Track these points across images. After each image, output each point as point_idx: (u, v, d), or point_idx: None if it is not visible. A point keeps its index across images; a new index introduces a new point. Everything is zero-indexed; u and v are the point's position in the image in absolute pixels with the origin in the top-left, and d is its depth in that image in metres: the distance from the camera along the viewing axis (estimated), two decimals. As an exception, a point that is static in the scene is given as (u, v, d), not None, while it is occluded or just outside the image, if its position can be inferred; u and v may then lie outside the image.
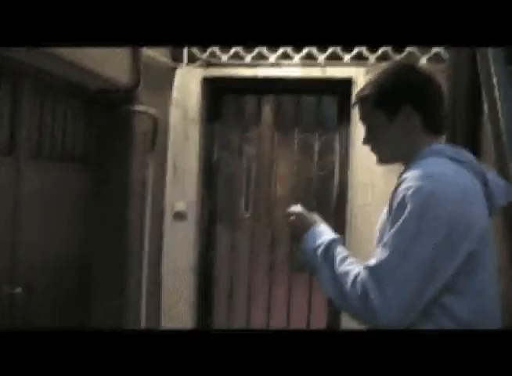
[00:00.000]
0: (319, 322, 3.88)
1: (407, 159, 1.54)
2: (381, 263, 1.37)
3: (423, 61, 3.55)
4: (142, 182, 3.56)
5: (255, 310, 3.99)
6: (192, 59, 3.87)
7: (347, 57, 3.67)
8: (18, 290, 2.71)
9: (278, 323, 3.93)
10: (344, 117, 3.76)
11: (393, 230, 1.38)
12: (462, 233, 1.36)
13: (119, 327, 3.34)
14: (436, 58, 3.54)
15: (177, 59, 3.87)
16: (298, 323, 3.91)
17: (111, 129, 3.36)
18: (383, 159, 1.63)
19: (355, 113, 3.60)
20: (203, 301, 4.00)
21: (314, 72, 3.71)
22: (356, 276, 1.40)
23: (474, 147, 2.65)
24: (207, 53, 3.84)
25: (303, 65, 3.72)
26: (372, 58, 3.64)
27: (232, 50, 3.80)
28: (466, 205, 1.38)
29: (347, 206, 3.71)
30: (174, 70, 3.87)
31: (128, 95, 3.35)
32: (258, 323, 3.96)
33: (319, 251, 1.54)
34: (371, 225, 3.56)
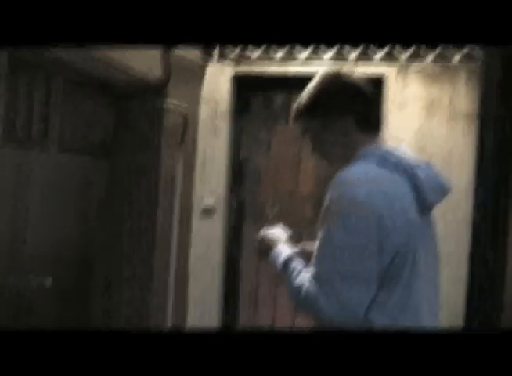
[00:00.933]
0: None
1: (350, 158, 1.60)
2: (316, 271, 1.49)
3: (456, 60, 3.51)
4: (172, 177, 3.58)
5: (281, 307, 3.99)
6: (222, 56, 3.88)
7: (378, 55, 3.64)
8: (48, 281, 2.75)
9: (304, 321, 3.92)
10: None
11: (320, 238, 1.50)
12: (382, 235, 1.43)
13: (145, 323, 3.37)
14: (468, 57, 3.49)
15: (207, 55, 3.88)
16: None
17: (141, 124, 3.39)
18: (330, 161, 1.70)
19: (383, 110, 3.58)
20: (230, 297, 4.01)
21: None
22: (304, 288, 1.50)
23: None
24: (238, 50, 3.85)
25: (333, 62, 3.70)
26: (403, 56, 3.60)
27: (263, 47, 3.80)
28: (383, 209, 1.44)
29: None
30: (204, 66, 3.89)
31: (158, 90, 3.37)
32: (284, 320, 3.96)
33: (279, 270, 1.66)
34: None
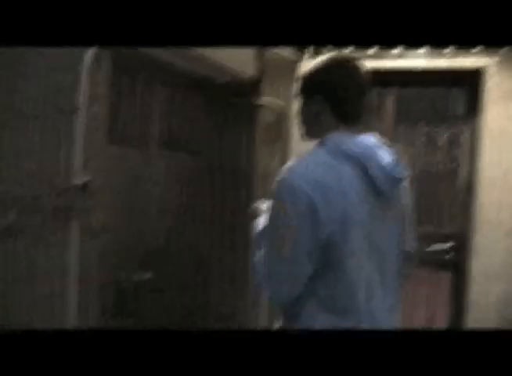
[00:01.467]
0: (441, 319, 3.79)
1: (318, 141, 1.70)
2: (266, 253, 1.61)
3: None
4: (266, 174, 3.63)
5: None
6: (316, 52, 3.88)
7: (475, 49, 3.53)
8: (147, 275, 2.85)
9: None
10: (472, 110, 3.63)
11: (268, 220, 1.63)
12: (315, 221, 1.51)
13: (234, 315, 3.44)
14: None
15: (301, 52, 3.90)
16: (418, 319, 3.84)
17: (236, 121, 3.46)
18: (303, 137, 1.80)
19: (484, 104, 3.48)
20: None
21: (440, 63, 3.61)
22: (256, 267, 1.66)
23: None
24: (330, 46, 3.84)
25: (429, 56, 3.63)
26: (503, 49, 3.48)
27: (356, 42, 3.77)
28: (317, 196, 1.51)
29: (474, 202, 3.59)
30: (298, 62, 3.90)
31: (252, 87, 3.43)
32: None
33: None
34: (500, 220, 3.42)
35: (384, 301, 1.67)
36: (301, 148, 3.82)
